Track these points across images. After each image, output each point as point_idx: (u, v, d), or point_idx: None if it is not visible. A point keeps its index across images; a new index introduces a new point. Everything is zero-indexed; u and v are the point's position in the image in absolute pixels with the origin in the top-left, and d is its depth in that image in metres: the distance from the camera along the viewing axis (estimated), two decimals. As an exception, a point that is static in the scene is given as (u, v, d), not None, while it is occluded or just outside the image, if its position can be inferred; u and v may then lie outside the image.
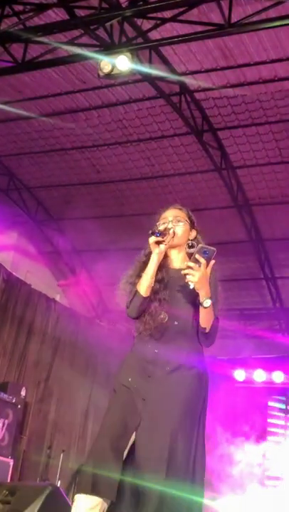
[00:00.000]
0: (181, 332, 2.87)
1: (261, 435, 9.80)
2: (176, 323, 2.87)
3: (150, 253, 2.93)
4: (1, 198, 10.38)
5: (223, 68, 7.70)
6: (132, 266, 3.04)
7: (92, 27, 6.57)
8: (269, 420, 10.05)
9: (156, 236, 2.87)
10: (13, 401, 8.25)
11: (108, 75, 6.62)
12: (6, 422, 7.99)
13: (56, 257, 11.48)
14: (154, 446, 2.66)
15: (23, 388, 8.90)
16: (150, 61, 7.42)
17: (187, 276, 2.76)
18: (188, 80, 7.96)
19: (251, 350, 10.95)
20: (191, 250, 2.95)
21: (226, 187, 9.44)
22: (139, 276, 2.93)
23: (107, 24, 6.52)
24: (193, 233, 3.09)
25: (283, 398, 10.26)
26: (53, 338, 10.19)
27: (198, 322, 2.85)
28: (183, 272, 2.78)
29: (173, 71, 7.78)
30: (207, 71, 7.77)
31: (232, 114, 8.44)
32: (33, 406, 9.45)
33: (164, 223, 3.01)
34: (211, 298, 2.78)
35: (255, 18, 6.19)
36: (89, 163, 9.91)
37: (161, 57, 7.59)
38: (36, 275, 10.74)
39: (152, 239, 2.87)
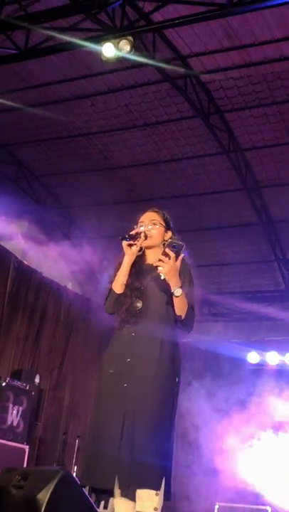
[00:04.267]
0: (156, 315, 3.10)
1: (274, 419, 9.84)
2: (150, 308, 3.12)
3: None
4: (10, 187, 10.38)
5: (227, 49, 7.62)
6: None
7: (93, 11, 6.52)
8: (282, 402, 10.03)
9: (127, 240, 3.15)
10: (27, 388, 8.36)
11: (111, 60, 6.58)
12: (21, 408, 8.09)
13: (66, 245, 11.49)
14: (137, 434, 2.93)
15: (37, 375, 9.01)
16: (154, 44, 7.36)
17: (158, 268, 3.00)
18: (193, 63, 7.89)
19: (264, 332, 10.95)
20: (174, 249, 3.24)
21: (234, 169, 9.38)
22: (115, 275, 3.22)
23: (109, 8, 6.47)
24: (169, 234, 3.34)
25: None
26: (65, 325, 10.27)
27: (170, 308, 3.11)
28: (154, 264, 3.05)
29: (177, 54, 7.71)
30: (212, 52, 7.69)
31: (238, 95, 8.36)
32: (47, 393, 9.54)
33: (140, 226, 3.27)
34: (181, 288, 3.02)
35: (258, -3, 6.11)
36: (96, 149, 9.88)
37: (164, 40, 7.52)
38: (47, 263, 10.77)
39: (125, 242, 3.15)
